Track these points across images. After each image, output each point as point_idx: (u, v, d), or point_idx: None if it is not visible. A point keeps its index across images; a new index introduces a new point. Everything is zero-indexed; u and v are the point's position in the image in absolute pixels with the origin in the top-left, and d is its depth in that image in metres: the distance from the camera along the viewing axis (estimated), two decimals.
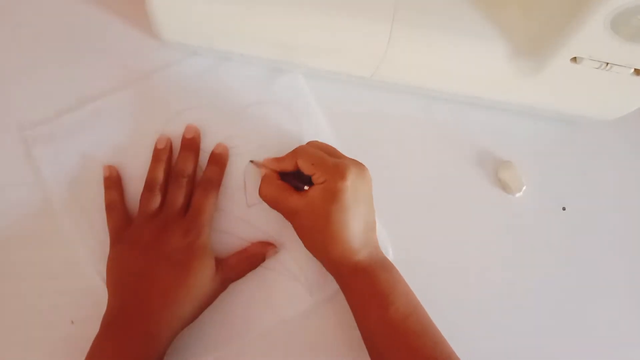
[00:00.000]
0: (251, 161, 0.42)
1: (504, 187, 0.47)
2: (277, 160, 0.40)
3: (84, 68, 0.43)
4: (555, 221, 0.47)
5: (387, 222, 0.43)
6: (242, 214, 0.42)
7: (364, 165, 0.38)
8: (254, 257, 0.40)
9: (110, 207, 0.40)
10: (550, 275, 0.46)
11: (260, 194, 0.40)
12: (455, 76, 0.44)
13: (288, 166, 0.39)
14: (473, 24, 0.40)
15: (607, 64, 0.38)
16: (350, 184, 0.36)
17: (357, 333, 0.38)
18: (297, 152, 0.39)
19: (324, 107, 0.46)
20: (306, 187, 0.38)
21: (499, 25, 0.41)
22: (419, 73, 0.44)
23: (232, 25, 0.40)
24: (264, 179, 0.40)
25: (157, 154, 0.41)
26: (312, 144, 0.41)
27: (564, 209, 0.48)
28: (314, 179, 0.37)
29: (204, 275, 0.37)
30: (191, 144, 0.42)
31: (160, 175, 0.40)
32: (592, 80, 0.41)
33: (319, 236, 0.37)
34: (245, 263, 0.40)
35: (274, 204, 0.40)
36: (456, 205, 0.46)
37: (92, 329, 0.35)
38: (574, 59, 0.39)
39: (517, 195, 0.47)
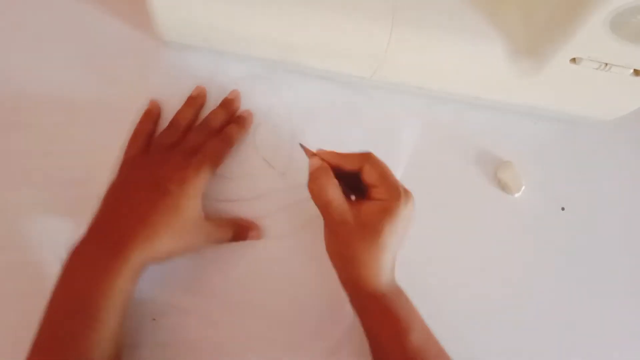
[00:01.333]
0: (301, 144, 0.39)
1: (504, 187, 0.47)
2: (341, 155, 0.37)
3: (83, 68, 0.43)
4: (554, 221, 0.47)
5: None
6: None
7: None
8: (240, 229, 0.40)
9: (134, 136, 0.40)
10: (549, 275, 0.46)
11: (310, 185, 0.37)
12: (455, 76, 0.44)
13: (351, 165, 0.37)
14: (473, 24, 0.41)
15: (607, 64, 0.38)
16: (408, 212, 0.35)
17: None
18: (368, 157, 0.37)
19: (321, 107, 0.46)
20: (352, 197, 0.37)
21: (499, 26, 0.41)
22: (419, 73, 0.44)
23: (232, 26, 0.40)
24: (319, 170, 0.37)
25: (189, 100, 0.42)
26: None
27: (563, 209, 0.48)
28: (374, 192, 0.36)
29: (189, 214, 0.36)
30: (228, 104, 0.43)
31: (184, 119, 0.41)
32: (592, 80, 0.41)
33: (356, 251, 0.35)
34: (230, 230, 0.40)
35: (322, 201, 0.36)
36: (456, 205, 0.46)
37: None
38: (574, 59, 0.39)
39: (517, 195, 0.47)
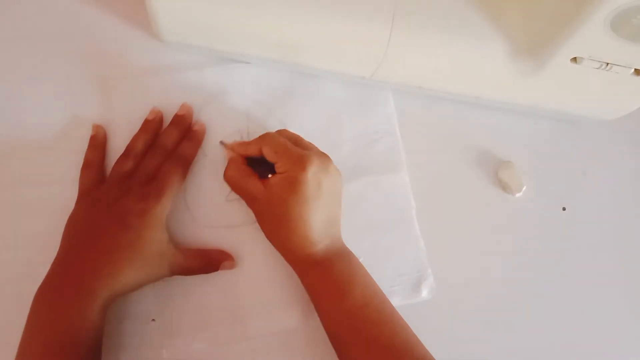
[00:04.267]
0: (221, 142, 0.42)
1: (504, 187, 0.47)
2: (244, 144, 0.40)
3: (83, 69, 0.43)
4: (555, 221, 0.47)
5: None
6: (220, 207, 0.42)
7: (328, 158, 0.38)
8: (210, 260, 0.39)
9: (86, 166, 0.40)
10: (550, 275, 0.46)
11: (224, 176, 0.40)
12: (455, 76, 0.44)
13: (253, 151, 0.39)
14: (473, 24, 0.40)
15: (607, 64, 0.38)
16: (312, 176, 0.36)
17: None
18: (263, 139, 0.39)
19: (321, 107, 0.46)
20: (270, 175, 0.38)
21: (499, 25, 0.41)
22: (419, 73, 0.44)
23: (232, 25, 0.40)
24: (229, 162, 0.40)
25: (144, 125, 0.42)
26: (281, 132, 0.40)
27: (564, 209, 0.48)
28: (277, 167, 0.37)
29: (152, 246, 0.36)
30: (179, 121, 0.42)
31: (140, 144, 0.40)
32: (592, 80, 0.41)
33: (276, 226, 0.37)
34: (199, 262, 0.39)
35: (236, 187, 0.40)
36: (456, 205, 0.46)
37: None
38: (574, 59, 0.39)
39: (517, 195, 0.47)
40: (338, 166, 0.39)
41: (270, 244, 0.40)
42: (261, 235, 0.41)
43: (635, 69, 0.39)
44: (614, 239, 0.48)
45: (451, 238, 0.45)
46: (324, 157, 0.38)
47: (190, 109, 0.43)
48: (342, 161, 0.43)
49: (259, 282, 0.41)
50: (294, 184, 0.36)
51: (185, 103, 0.43)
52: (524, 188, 0.47)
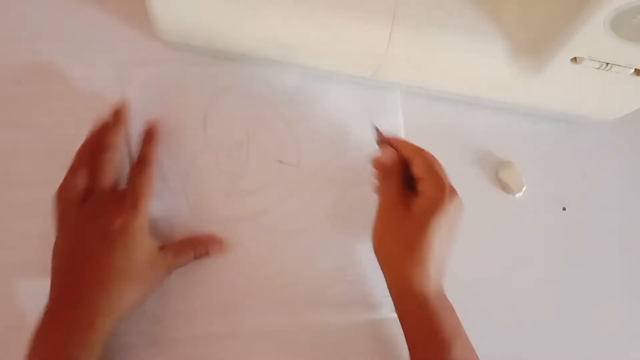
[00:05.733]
0: (376, 128, 0.40)
1: (504, 187, 0.47)
2: (400, 141, 0.38)
3: (82, 69, 0.43)
4: (555, 221, 0.47)
5: None
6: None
7: (462, 202, 0.37)
8: (199, 245, 0.39)
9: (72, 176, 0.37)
10: (550, 275, 0.46)
11: (378, 179, 0.38)
12: (455, 76, 0.44)
13: (403, 153, 0.38)
14: (473, 24, 0.40)
15: (607, 64, 0.38)
16: (454, 209, 0.35)
17: None
18: (420, 151, 0.37)
19: (320, 108, 0.46)
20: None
21: (499, 26, 0.41)
22: (419, 73, 0.44)
23: (232, 26, 0.40)
24: (392, 168, 0.37)
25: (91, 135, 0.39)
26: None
27: (564, 209, 0.48)
28: (420, 184, 0.36)
29: (143, 257, 0.35)
30: (115, 123, 0.39)
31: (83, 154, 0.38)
32: (592, 80, 0.41)
33: (401, 244, 0.35)
34: (187, 254, 0.38)
35: (383, 194, 0.38)
36: None
37: None
38: (574, 59, 0.39)
39: (517, 195, 0.47)
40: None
41: (271, 243, 0.40)
42: (260, 231, 0.41)
43: (635, 69, 0.39)
44: (614, 238, 0.48)
45: None
46: (460, 199, 0.36)
47: (125, 105, 0.40)
48: (347, 165, 0.43)
49: (257, 278, 0.40)
50: (437, 208, 0.34)
51: (120, 102, 0.40)
52: (524, 188, 0.47)
